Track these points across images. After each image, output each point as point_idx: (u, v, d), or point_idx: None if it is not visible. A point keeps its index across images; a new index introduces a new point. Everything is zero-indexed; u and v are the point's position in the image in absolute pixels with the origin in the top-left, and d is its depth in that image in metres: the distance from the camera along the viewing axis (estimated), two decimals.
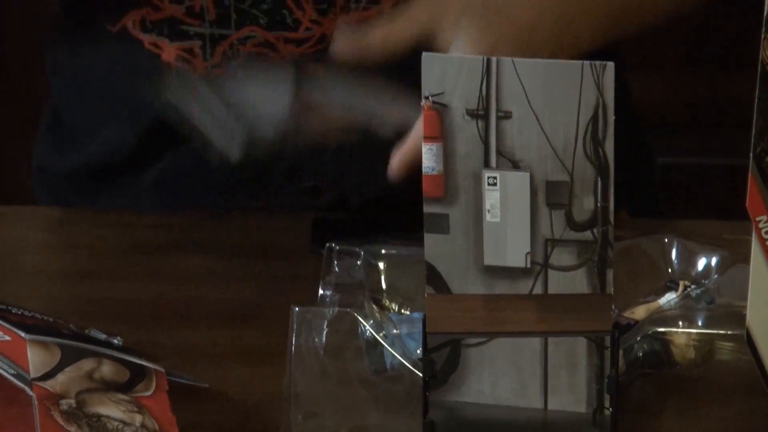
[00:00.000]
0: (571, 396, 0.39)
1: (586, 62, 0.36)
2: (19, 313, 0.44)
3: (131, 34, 0.66)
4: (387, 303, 0.47)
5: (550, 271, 0.38)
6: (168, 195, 0.68)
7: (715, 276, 0.47)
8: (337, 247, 0.50)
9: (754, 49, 0.38)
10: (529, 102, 0.36)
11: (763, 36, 0.36)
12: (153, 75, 0.65)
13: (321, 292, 0.48)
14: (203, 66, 0.65)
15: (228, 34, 0.65)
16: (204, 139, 0.58)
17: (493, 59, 0.36)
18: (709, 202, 1.36)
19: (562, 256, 0.37)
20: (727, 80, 1.46)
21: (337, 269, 0.49)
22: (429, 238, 0.38)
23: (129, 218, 0.64)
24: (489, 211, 0.37)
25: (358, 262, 0.49)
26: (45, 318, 0.44)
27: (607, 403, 0.39)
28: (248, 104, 0.56)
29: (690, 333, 0.44)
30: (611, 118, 0.36)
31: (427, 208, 0.38)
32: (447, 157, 0.37)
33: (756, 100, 0.37)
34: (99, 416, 0.39)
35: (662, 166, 1.26)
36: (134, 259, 0.58)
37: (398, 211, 0.52)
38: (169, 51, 0.66)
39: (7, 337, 0.41)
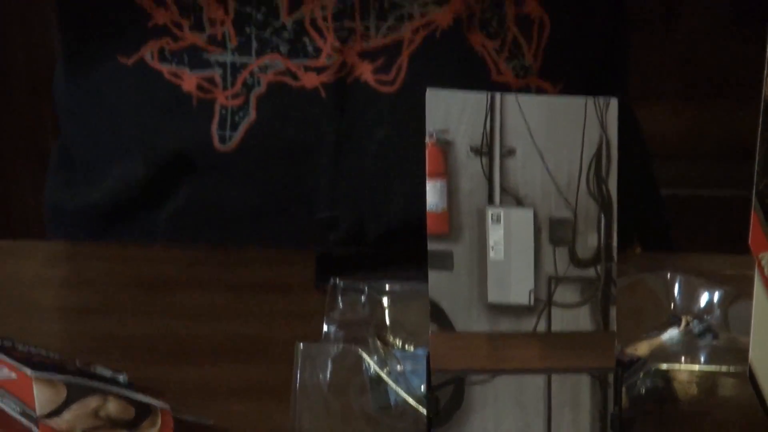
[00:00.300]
0: None
1: (590, 98, 0.36)
2: (26, 350, 0.44)
3: (149, 65, 0.67)
4: (391, 339, 0.47)
5: (554, 309, 0.38)
6: (182, 230, 0.69)
7: (718, 311, 0.47)
8: (342, 283, 0.50)
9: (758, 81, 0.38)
10: (532, 139, 0.37)
11: (765, 73, 0.36)
12: (173, 106, 0.66)
13: (325, 328, 0.48)
14: (223, 95, 0.66)
15: (249, 62, 0.66)
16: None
17: (497, 95, 0.37)
18: (714, 235, 1.36)
19: (565, 294, 0.37)
20: (732, 112, 1.47)
21: (341, 305, 0.49)
22: (433, 275, 0.38)
23: (133, 252, 0.64)
24: (493, 248, 0.38)
25: (363, 298, 0.50)
26: (51, 355, 0.44)
27: None
28: None
29: (692, 369, 0.43)
30: (614, 154, 0.37)
31: (432, 246, 0.38)
32: (451, 194, 0.37)
33: (758, 137, 0.38)
34: None
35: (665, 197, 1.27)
36: (139, 293, 0.58)
37: (411, 244, 0.53)
38: (190, 81, 0.67)
39: (14, 375, 0.41)
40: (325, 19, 0.65)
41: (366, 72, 0.67)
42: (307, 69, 0.65)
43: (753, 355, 0.39)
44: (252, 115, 0.67)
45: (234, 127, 0.68)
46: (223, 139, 0.67)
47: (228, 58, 0.66)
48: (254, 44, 0.66)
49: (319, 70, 0.65)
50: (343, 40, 0.64)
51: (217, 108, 0.66)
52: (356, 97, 0.66)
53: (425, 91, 0.37)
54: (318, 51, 0.65)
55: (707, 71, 1.52)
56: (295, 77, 0.66)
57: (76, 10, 0.74)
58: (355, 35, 0.65)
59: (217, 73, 0.66)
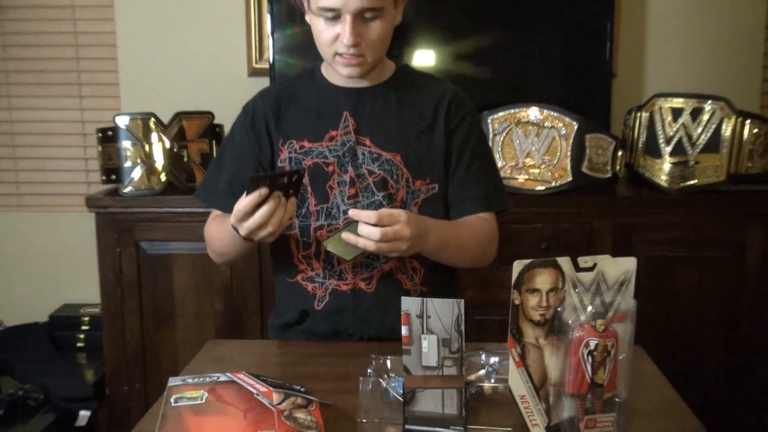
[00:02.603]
0: None
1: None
2: (263, 379, 1.18)
3: None
4: (393, 375, 1.21)
5: (444, 368, 1.12)
6: None
7: (499, 365, 1.20)
8: (371, 374, 1.26)
9: None
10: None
11: None
12: None
13: (361, 386, 1.23)
14: None
15: None
16: None
17: None
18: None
19: (448, 363, 1.12)
20: None
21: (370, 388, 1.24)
22: (404, 356, 1.12)
23: None
24: (424, 347, 1.12)
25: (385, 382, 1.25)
26: (275, 380, 1.18)
27: None
28: None
29: (489, 385, 1.18)
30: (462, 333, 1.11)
31: (404, 347, 1.12)
32: (411, 333, 1.12)
33: None
34: (296, 418, 1.13)
35: None
36: None
37: None
38: None
39: (264, 389, 1.15)
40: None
41: None
42: None
43: (510, 382, 1.11)
44: None
45: None
46: None
47: None
48: None
49: None
50: None
51: None
52: None
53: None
54: None
55: None
56: None
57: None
58: None
59: None
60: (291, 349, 1.46)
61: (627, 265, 1.05)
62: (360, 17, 1.31)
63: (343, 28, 1.31)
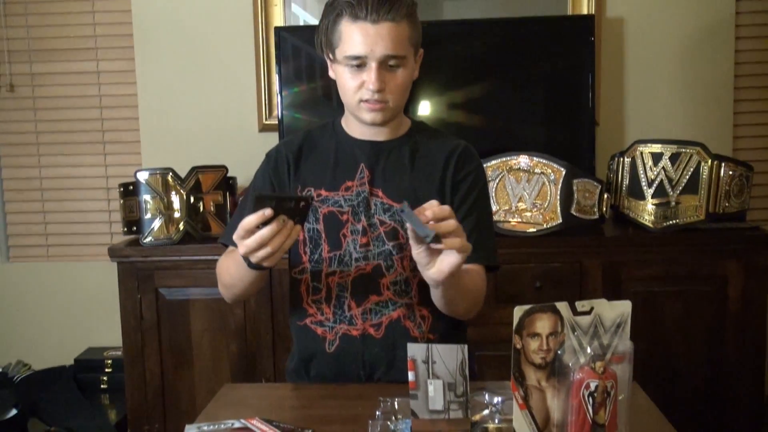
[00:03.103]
0: None
1: None
2: (276, 424, 1.13)
3: None
4: (400, 417, 1.15)
5: (450, 412, 1.07)
6: None
7: (502, 405, 1.14)
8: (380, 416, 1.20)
9: None
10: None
11: None
12: None
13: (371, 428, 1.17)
14: None
15: None
16: None
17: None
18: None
19: (454, 406, 1.06)
20: None
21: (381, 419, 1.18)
22: (412, 400, 1.07)
23: None
24: (431, 392, 1.07)
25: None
26: (287, 425, 1.13)
27: None
28: None
29: (493, 425, 1.12)
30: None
31: (411, 392, 1.07)
32: (418, 378, 1.07)
33: None
34: None
35: None
36: None
37: None
38: None
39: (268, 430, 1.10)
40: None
41: None
42: None
43: (514, 424, 1.06)
44: None
45: None
46: None
47: None
48: None
49: None
50: None
51: None
52: None
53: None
54: None
55: None
56: None
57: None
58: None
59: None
60: (302, 392, 1.41)
61: (622, 308, 1.01)
62: (384, 65, 1.31)
63: (369, 75, 1.30)
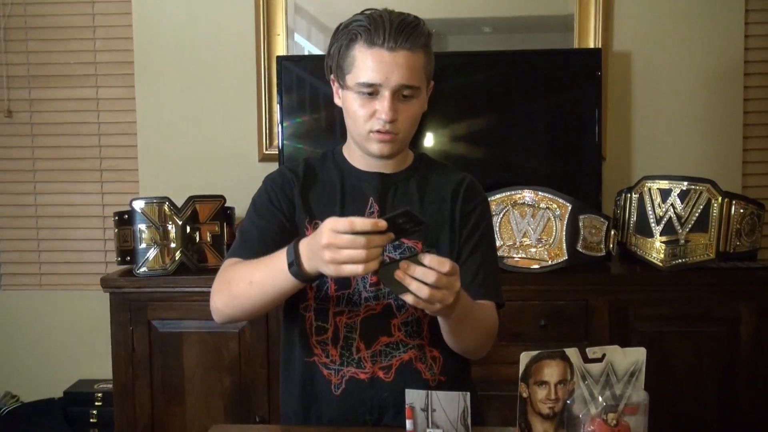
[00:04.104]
0: None
1: None
2: None
3: None
4: None
5: None
6: None
7: None
8: None
9: None
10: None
11: None
12: None
13: None
14: None
15: None
16: None
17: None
18: None
19: None
20: None
21: None
22: None
23: None
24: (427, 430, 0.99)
25: None
26: None
27: None
28: None
29: None
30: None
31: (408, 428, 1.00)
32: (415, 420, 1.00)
33: None
34: None
35: None
36: None
37: None
38: None
39: None
40: None
41: None
42: None
43: None
44: None
45: None
46: None
47: None
48: None
49: None
50: None
51: None
52: None
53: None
54: None
55: None
56: None
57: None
58: None
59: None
60: None
61: (636, 355, 0.95)
62: (398, 95, 1.25)
63: (382, 104, 1.24)
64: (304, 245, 1.12)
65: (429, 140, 2.49)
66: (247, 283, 1.21)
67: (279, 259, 1.15)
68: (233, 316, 1.29)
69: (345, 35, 1.27)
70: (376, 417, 1.30)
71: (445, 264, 1.03)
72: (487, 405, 1.93)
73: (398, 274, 1.03)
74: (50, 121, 2.85)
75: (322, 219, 1.23)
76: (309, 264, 1.10)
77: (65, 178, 2.86)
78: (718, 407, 2.19)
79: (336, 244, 1.03)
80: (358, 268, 1.02)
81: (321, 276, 1.13)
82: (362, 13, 1.28)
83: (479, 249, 1.34)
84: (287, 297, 1.22)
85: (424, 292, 1.03)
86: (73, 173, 2.86)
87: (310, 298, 1.32)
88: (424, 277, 1.02)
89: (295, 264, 1.11)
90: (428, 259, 1.03)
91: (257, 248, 1.27)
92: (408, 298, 1.04)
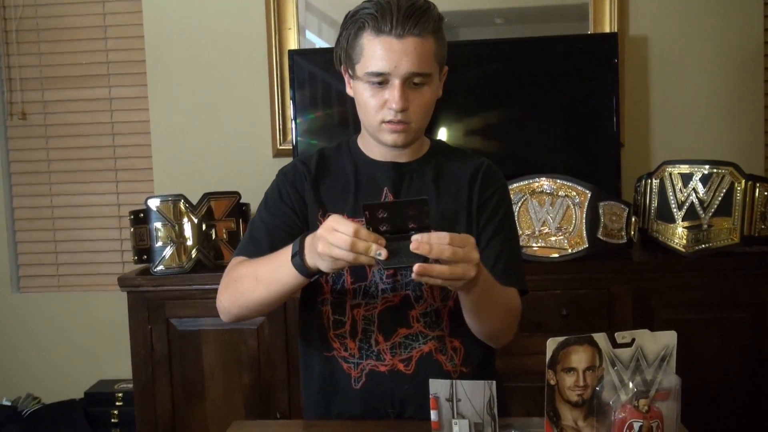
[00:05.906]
0: None
1: None
2: None
3: None
4: None
5: None
6: None
7: None
8: None
9: None
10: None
11: None
12: None
13: None
14: None
15: None
16: None
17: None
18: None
19: None
20: None
21: None
22: None
23: None
24: (453, 425, 0.97)
25: None
26: None
27: None
28: None
29: None
30: None
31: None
32: (440, 415, 0.97)
33: None
34: None
35: None
36: None
37: None
38: None
39: None
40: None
41: None
42: None
43: None
44: None
45: None
46: None
47: None
48: None
49: None
50: None
51: None
52: None
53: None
54: None
55: None
56: None
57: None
58: None
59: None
60: (317, 429, 1.32)
61: (667, 339, 0.92)
62: (409, 83, 1.22)
63: (392, 93, 1.21)
64: (309, 239, 1.11)
65: (442, 134, 2.46)
66: (252, 279, 1.21)
67: (285, 253, 1.15)
68: (239, 314, 1.27)
69: (353, 24, 1.25)
70: (398, 410, 1.28)
71: (444, 237, 0.99)
72: (509, 397, 1.91)
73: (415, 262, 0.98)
74: (64, 122, 2.86)
75: (335, 211, 1.23)
76: (309, 257, 1.09)
77: (80, 178, 2.86)
78: (746, 394, 2.15)
79: (328, 239, 1.02)
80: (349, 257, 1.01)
81: (320, 273, 1.12)
82: (370, 0, 1.25)
83: (498, 235, 1.31)
84: (291, 294, 1.19)
85: (445, 272, 0.99)
86: (88, 173, 2.86)
87: (327, 292, 1.30)
88: (441, 253, 0.98)
89: (298, 255, 1.11)
90: (414, 242, 0.98)
91: (264, 246, 1.27)
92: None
